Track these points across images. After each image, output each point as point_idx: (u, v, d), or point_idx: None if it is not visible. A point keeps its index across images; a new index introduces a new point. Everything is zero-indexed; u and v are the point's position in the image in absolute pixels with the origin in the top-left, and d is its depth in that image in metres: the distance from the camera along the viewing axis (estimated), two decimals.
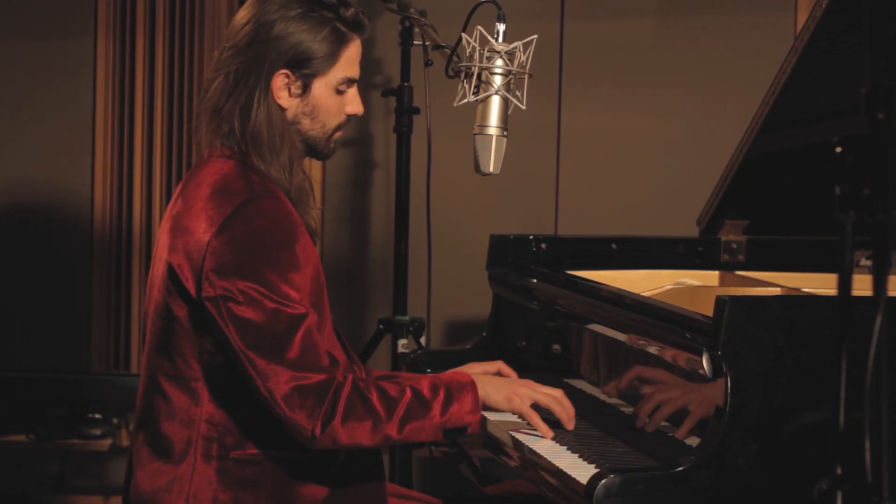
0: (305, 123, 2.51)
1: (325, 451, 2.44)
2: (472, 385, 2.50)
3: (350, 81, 2.53)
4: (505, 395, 2.55)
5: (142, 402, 2.52)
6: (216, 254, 2.36)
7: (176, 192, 2.53)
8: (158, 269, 2.47)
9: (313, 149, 2.56)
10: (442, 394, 2.46)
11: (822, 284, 3.11)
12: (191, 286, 2.39)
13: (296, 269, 2.37)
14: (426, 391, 2.46)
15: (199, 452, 2.42)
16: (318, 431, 2.35)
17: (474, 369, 2.73)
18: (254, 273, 2.34)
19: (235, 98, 2.46)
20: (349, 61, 2.52)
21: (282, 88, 2.48)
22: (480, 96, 2.66)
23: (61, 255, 4.55)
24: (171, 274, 2.42)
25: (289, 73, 2.47)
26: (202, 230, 2.38)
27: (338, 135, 2.57)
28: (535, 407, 2.59)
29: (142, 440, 2.49)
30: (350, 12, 2.53)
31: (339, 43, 2.51)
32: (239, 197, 2.39)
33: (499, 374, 2.72)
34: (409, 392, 2.44)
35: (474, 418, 2.48)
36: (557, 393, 2.61)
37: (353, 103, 2.56)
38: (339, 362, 2.47)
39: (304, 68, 2.48)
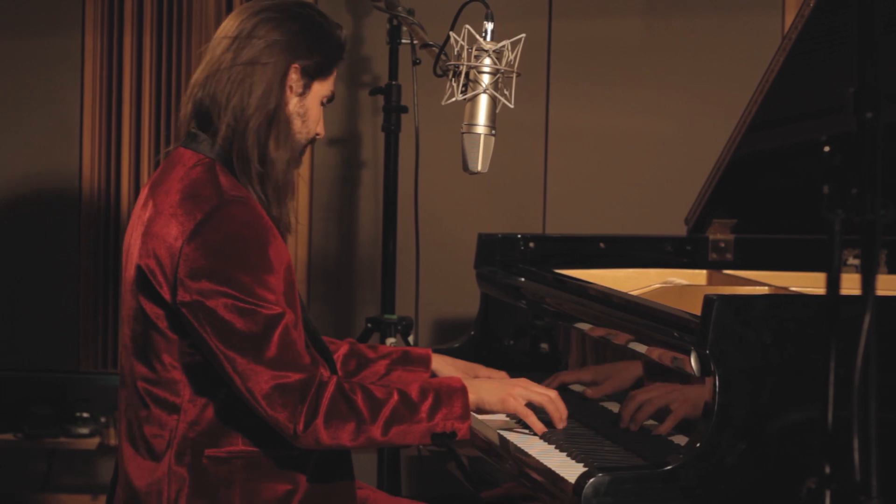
0: (297, 125, 2.51)
1: (303, 450, 2.44)
2: (462, 391, 2.48)
3: (330, 99, 2.55)
4: (499, 397, 2.55)
5: (124, 407, 2.51)
6: (189, 260, 2.36)
7: (144, 194, 2.51)
8: (130, 273, 2.47)
9: None
10: (431, 398, 2.45)
11: (809, 283, 3.12)
12: (165, 292, 2.39)
13: (269, 272, 2.37)
14: (415, 395, 2.44)
15: (174, 452, 2.42)
16: (300, 429, 2.35)
17: (479, 372, 2.80)
18: (228, 277, 2.34)
19: (241, 82, 2.44)
20: (334, 79, 2.55)
21: (291, 82, 2.47)
22: (468, 95, 2.66)
23: (48, 252, 4.54)
24: (143, 278, 2.42)
25: (300, 68, 2.47)
26: (173, 236, 2.38)
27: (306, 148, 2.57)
28: (529, 406, 2.59)
29: (126, 443, 2.49)
30: (345, 35, 2.56)
31: (337, 57, 2.54)
32: (209, 202, 2.38)
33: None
34: (396, 395, 2.43)
35: (464, 424, 2.46)
36: (552, 393, 2.61)
37: (322, 123, 2.56)
38: (320, 361, 2.47)
39: (313, 68, 2.49)
